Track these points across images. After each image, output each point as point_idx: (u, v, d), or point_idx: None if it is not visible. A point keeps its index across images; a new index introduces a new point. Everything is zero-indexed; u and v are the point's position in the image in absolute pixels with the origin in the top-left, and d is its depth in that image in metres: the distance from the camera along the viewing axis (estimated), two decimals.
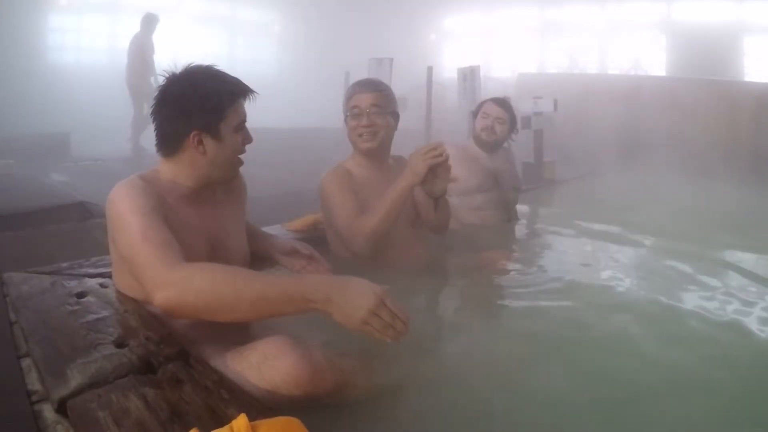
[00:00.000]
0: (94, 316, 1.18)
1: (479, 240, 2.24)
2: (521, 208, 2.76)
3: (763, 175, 4.63)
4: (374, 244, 1.59)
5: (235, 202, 1.38)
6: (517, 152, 2.77)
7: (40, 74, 7.30)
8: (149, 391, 0.89)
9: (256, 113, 1.37)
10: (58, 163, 5.10)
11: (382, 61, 5.71)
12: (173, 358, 1.01)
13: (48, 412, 0.89)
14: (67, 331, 1.11)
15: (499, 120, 2.40)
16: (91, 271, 1.50)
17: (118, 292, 1.25)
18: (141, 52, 5.71)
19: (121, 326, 1.12)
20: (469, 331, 1.51)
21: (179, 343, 1.06)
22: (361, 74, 3.81)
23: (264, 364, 0.97)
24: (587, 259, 2.31)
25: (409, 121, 3.16)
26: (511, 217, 2.60)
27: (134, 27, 6.09)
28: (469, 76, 5.33)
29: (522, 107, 4.44)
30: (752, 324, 1.54)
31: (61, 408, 0.87)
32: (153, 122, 1.22)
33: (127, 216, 1.06)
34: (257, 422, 0.75)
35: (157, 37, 5.89)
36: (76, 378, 0.92)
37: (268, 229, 1.81)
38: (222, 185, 1.32)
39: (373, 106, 1.70)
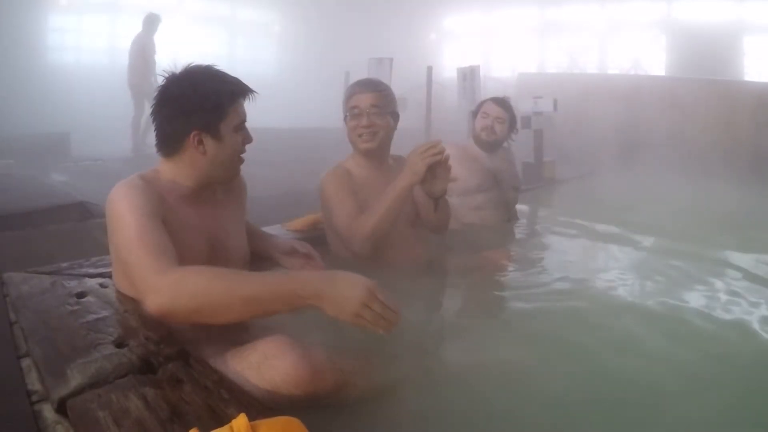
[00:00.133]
0: (94, 316, 1.18)
1: (479, 240, 2.25)
2: (521, 207, 2.76)
3: (763, 175, 4.63)
4: (374, 243, 1.59)
5: (235, 202, 1.38)
6: (516, 152, 2.77)
7: (40, 74, 7.30)
8: (149, 390, 0.89)
9: (256, 113, 1.37)
10: (58, 163, 5.11)
11: (382, 61, 5.71)
12: (173, 358, 1.01)
13: (48, 412, 0.89)
14: (67, 331, 1.11)
15: (498, 120, 2.41)
16: (91, 271, 1.50)
17: (118, 292, 1.25)
18: (143, 52, 5.70)
19: (121, 326, 1.12)
20: (469, 331, 1.51)
21: (179, 343, 1.06)
22: (361, 74, 3.81)
23: (264, 364, 0.97)
24: (587, 258, 2.31)
25: (409, 120, 3.16)
26: (511, 216, 2.60)
27: (134, 27, 6.09)
28: (469, 76, 5.33)
29: (522, 107, 4.44)
30: (754, 324, 1.54)
31: (61, 408, 0.87)
32: (153, 122, 1.22)
33: (124, 217, 1.06)
34: (257, 422, 0.75)
35: (158, 37, 5.89)
36: (76, 378, 0.92)
37: (268, 229, 1.81)
38: (222, 185, 1.32)
39: (373, 106, 1.70)
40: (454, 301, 1.81)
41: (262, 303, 0.98)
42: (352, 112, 1.72)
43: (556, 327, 1.52)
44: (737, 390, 1.19)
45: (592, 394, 1.17)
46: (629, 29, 8.72)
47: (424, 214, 1.79)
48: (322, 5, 10.23)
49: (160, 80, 1.21)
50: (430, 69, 6.29)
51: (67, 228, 2.40)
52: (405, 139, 1.66)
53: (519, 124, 2.67)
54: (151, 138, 1.23)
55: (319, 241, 1.86)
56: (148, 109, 1.25)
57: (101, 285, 1.37)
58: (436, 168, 1.61)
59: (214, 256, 1.21)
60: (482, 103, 2.52)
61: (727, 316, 1.59)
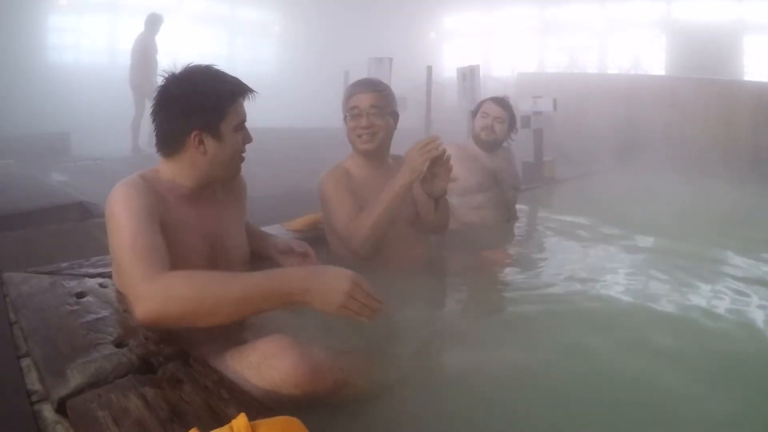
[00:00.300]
0: (94, 316, 1.18)
1: (479, 239, 2.25)
2: (521, 207, 2.76)
3: (762, 174, 4.63)
4: (373, 242, 1.59)
5: (235, 202, 1.38)
6: (516, 151, 2.76)
7: (40, 74, 7.31)
8: (149, 390, 0.89)
9: (256, 113, 1.37)
10: (58, 162, 5.10)
11: (381, 61, 5.71)
12: (173, 358, 1.01)
13: (48, 412, 0.89)
14: (67, 330, 1.11)
15: (498, 119, 2.41)
16: (91, 271, 1.50)
17: (117, 291, 1.25)
18: (144, 52, 5.69)
19: (120, 326, 1.12)
20: (469, 331, 1.52)
21: (179, 343, 1.06)
22: (360, 74, 3.81)
23: (264, 364, 0.97)
24: (587, 258, 2.31)
25: (408, 120, 3.16)
26: (511, 216, 2.60)
27: (134, 27, 6.09)
28: (469, 76, 5.33)
29: (521, 106, 4.44)
30: (758, 323, 1.54)
31: (61, 408, 0.87)
32: (153, 122, 1.22)
33: (120, 219, 1.06)
34: (257, 422, 0.76)
35: (158, 37, 5.88)
36: (75, 378, 0.92)
37: (268, 229, 1.81)
38: (223, 184, 1.32)
39: (373, 107, 1.69)
40: (453, 300, 1.81)
41: (251, 303, 0.99)
42: (351, 113, 1.72)
43: (555, 326, 1.52)
44: (741, 389, 1.19)
45: (593, 393, 1.16)
46: (629, 29, 8.73)
47: (424, 214, 1.79)
48: (322, 5, 10.24)
49: (160, 80, 1.21)
50: (429, 69, 6.29)
51: (67, 228, 2.40)
52: (405, 139, 1.66)
53: (519, 124, 2.67)
54: (143, 140, 1.23)
55: (318, 240, 1.86)
56: (148, 109, 1.25)
57: (101, 285, 1.37)
58: (437, 168, 1.61)
59: (214, 256, 1.21)
60: (482, 102, 2.52)
61: (728, 315, 1.59)
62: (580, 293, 1.77)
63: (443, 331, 1.57)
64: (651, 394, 1.15)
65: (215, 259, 1.21)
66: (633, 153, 5.47)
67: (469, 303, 1.78)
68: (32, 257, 1.73)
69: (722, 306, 1.65)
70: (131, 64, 5.79)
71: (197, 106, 1.15)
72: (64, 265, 1.56)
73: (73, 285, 1.38)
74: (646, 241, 2.47)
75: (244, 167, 1.31)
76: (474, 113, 2.53)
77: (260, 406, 0.91)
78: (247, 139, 1.26)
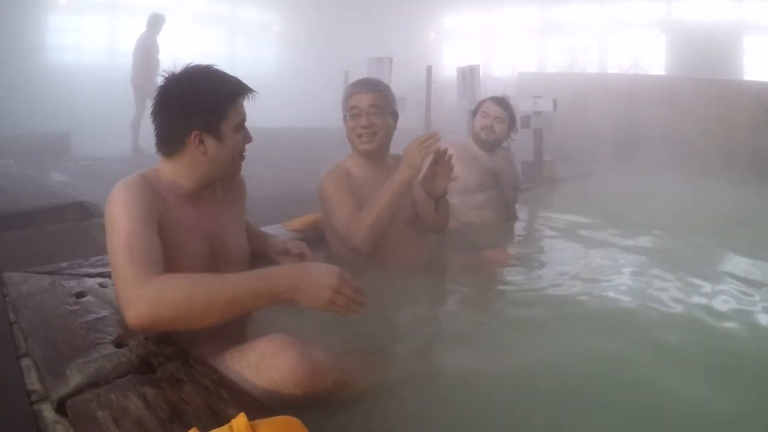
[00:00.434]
0: (94, 316, 1.18)
1: (479, 239, 2.25)
2: (521, 207, 2.76)
3: (762, 174, 4.63)
4: (373, 239, 1.59)
5: (235, 202, 1.38)
6: (516, 151, 2.76)
7: (40, 74, 7.30)
8: (149, 390, 0.89)
9: (256, 113, 1.37)
10: (58, 162, 5.10)
11: (381, 61, 5.71)
12: (173, 358, 1.01)
13: (47, 411, 0.89)
14: (67, 330, 1.11)
15: (498, 119, 2.41)
16: (91, 270, 1.51)
17: None
18: (146, 52, 5.68)
19: (120, 326, 1.12)
20: (468, 331, 1.51)
21: (178, 343, 1.06)
22: (360, 74, 3.81)
23: (263, 363, 0.97)
24: (586, 257, 2.31)
25: (408, 120, 3.16)
26: (511, 216, 2.60)
27: (135, 27, 6.09)
28: (469, 76, 5.33)
29: (521, 106, 4.44)
30: (759, 323, 1.54)
31: (61, 408, 0.87)
32: (153, 122, 1.22)
33: (116, 220, 1.05)
34: (257, 422, 0.76)
35: (159, 37, 5.88)
36: (75, 378, 0.92)
37: (268, 229, 1.81)
38: (223, 184, 1.32)
39: (372, 106, 1.69)
40: (453, 300, 1.80)
41: (241, 304, 0.99)
42: (351, 112, 1.72)
43: (555, 326, 1.52)
44: (743, 389, 1.19)
45: (593, 393, 1.16)
46: (629, 29, 8.73)
47: (424, 214, 1.79)
48: (322, 5, 10.24)
49: (160, 80, 1.21)
50: (429, 69, 6.29)
51: (67, 228, 2.40)
52: (405, 139, 1.66)
53: (518, 124, 2.67)
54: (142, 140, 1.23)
55: (319, 240, 1.86)
56: (149, 109, 1.25)
57: (101, 285, 1.38)
58: (438, 167, 1.61)
59: (214, 256, 1.21)
60: (482, 102, 2.52)
61: (728, 315, 1.58)
62: (579, 293, 1.77)
63: (443, 330, 1.57)
64: (651, 394, 1.15)
65: (215, 259, 1.21)
66: (633, 153, 5.47)
67: (468, 303, 1.78)
68: (32, 257, 1.73)
69: (722, 306, 1.65)
70: (133, 63, 5.78)
71: (197, 106, 1.15)
72: (64, 265, 1.56)
73: (73, 285, 1.38)
74: (645, 240, 2.47)
75: (244, 167, 1.31)
76: (474, 113, 2.53)
77: (260, 405, 0.91)
78: (247, 139, 1.26)
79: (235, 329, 1.11)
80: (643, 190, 3.99)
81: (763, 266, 2.04)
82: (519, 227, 2.63)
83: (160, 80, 1.21)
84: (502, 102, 2.46)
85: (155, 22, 5.84)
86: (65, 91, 7.04)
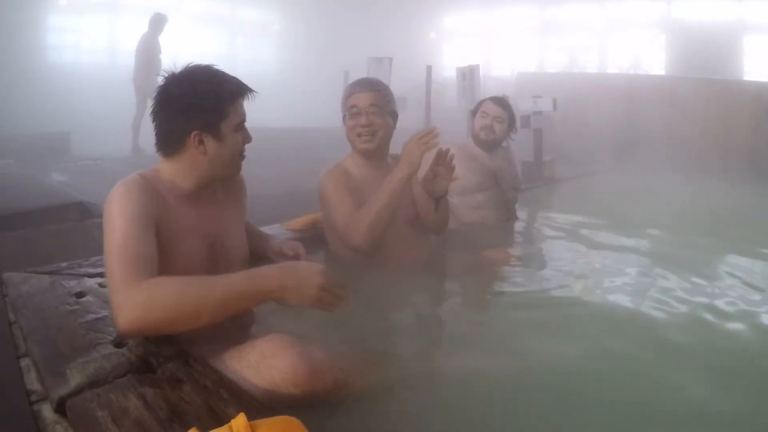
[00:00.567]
0: (93, 316, 1.18)
1: (479, 239, 2.24)
2: (521, 206, 2.76)
3: (761, 174, 4.63)
4: (373, 238, 1.58)
5: (235, 202, 1.38)
6: (516, 151, 2.76)
7: (40, 74, 7.30)
8: (148, 390, 0.89)
9: (256, 113, 1.37)
10: (58, 162, 5.10)
11: (381, 61, 5.71)
12: (172, 358, 1.01)
13: (47, 411, 0.89)
14: (67, 330, 1.11)
15: (497, 119, 2.41)
16: (91, 270, 1.51)
17: None
18: (148, 52, 5.68)
19: None
20: (469, 330, 1.51)
21: (178, 343, 1.06)
22: (360, 74, 3.81)
23: (263, 363, 0.97)
24: (586, 257, 2.31)
25: (408, 120, 3.16)
26: (511, 216, 2.60)
27: (135, 27, 6.08)
28: (469, 76, 5.32)
29: (521, 106, 4.43)
30: (760, 322, 1.54)
31: (60, 408, 0.87)
32: (153, 122, 1.22)
33: (112, 221, 1.05)
34: (256, 422, 0.76)
35: (160, 38, 5.88)
36: (75, 378, 0.92)
37: (268, 229, 1.81)
38: (222, 184, 1.32)
39: (372, 105, 1.69)
40: (453, 300, 1.80)
41: (231, 305, 1.00)
42: (350, 112, 1.72)
43: (556, 326, 1.52)
44: (744, 389, 1.19)
45: (593, 393, 1.16)
46: (629, 29, 8.73)
47: (424, 214, 1.79)
48: (322, 5, 10.24)
49: (160, 80, 1.21)
50: (429, 68, 6.29)
51: (67, 228, 2.40)
52: (404, 139, 1.66)
53: (518, 124, 2.67)
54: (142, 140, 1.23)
55: (318, 240, 1.86)
56: (149, 109, 1.25)
57: (100, 285, 1.37)
58: (439, 167, 1.60)
59: (214, 256, 1.21)
60: (481, 102, 2.52)
61: (729, 315, 1.58)
62: (579, 293, 1.77)
63: (443, 330, 1.57)
64: (651, 394, 1.15)
65: (215, 260, 1.21)
66: (633, 153, 5.48)
67: (468, 303, 1.78)
68: (32, 257, 1.73)
69: (722, 306, 1.65)
70: (135, 64, 5.77)
71: (197, 105, 1.15)
72: (64, 265, 1.56)
73: (73, 285, 1.38)
74: (645, 240, 2.47)
75: (244, 167, 1.31)
76: (473, 113, 2.53)
77: (260, 405, 0.91)
78: (247, 138, 1.26)
79: (234, 329, 1.11)
80: (643, 189, 3.99)
81: (763, 266, 2.04)
82: (519, 227, 2.63)
83: (159, 80, 1.21)
84: (501, 102, 2.46)
85: (157, 23, 5.83)
86: (65, 91, 7.04)
